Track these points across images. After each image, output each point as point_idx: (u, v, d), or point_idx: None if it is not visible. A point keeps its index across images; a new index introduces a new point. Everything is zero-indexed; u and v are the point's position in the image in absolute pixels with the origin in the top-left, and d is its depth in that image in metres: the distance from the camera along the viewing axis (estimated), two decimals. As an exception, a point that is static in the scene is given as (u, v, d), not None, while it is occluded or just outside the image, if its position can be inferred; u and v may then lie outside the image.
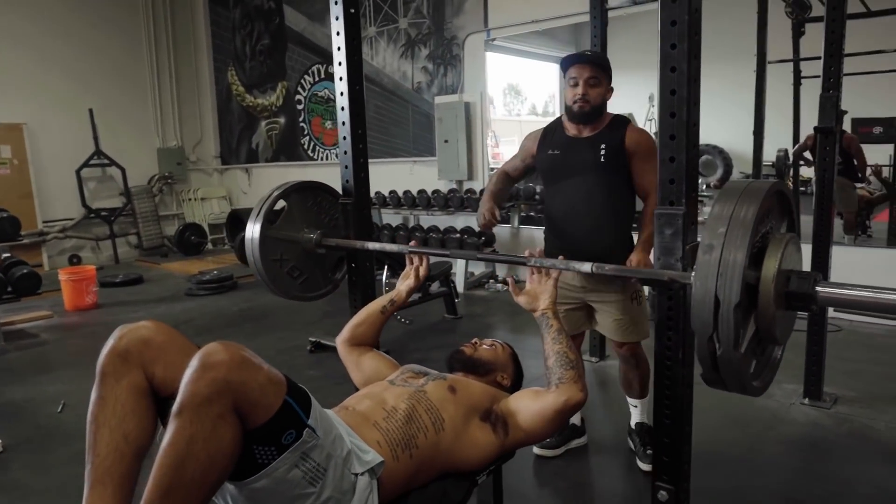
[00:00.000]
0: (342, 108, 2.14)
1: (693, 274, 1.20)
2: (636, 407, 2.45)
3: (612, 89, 2.24)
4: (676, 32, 1.38)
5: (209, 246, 8.16)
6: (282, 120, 7.94)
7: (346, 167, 2.17)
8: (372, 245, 2.08)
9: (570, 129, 2.27)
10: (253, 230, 2.10)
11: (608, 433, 2.65)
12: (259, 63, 8.06)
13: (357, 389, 1.70)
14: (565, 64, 2.22)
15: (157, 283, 6.33)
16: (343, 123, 2.15)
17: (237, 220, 7.30)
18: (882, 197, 5.71)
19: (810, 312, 1.17)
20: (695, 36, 1.39)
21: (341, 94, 2.14)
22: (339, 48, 2.13)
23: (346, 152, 2.16)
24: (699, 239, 1.49)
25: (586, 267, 1.53)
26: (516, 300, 1.69)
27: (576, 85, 2.17)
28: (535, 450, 2.44)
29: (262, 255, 2.10)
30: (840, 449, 2.45)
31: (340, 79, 2.13)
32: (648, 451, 2.32)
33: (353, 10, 2.11)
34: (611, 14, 3.44)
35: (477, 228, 5.59)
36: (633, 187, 2.25)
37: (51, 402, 3.16)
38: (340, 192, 2.21)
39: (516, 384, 1.78)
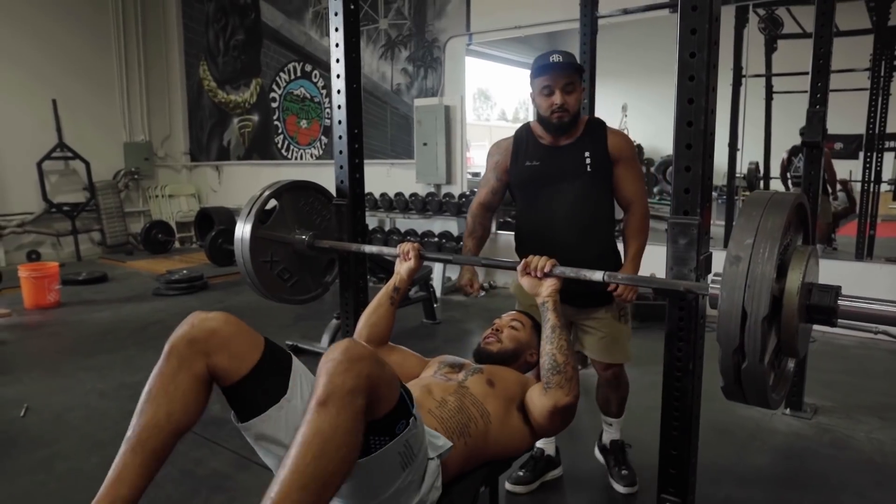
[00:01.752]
0: (339, 107, 2.08)
1: (718, 285, 1.18)
2: (611, 425, 2.33)
3: (584, 88, 2.09)
4: (696, 41, 1.37)
5: (177, 245, 7.93)
6: (255, 117, 7.78)
7: (342, 167, 2.10)
8: (368, 248, 2.02)
9: (545, 137, 2.07)
10: (243, 230, 2.02)
11: (580, 462, 2.46)
12: (233, 59, 7.89)
13: None
14: (536, 72, 1.99)
15: (122, 282, 6.11)
16: (339, 122, 2.08)
17: (207, 219, 7.13)
18: (846, 210, 5.89)
19: (831, 326, 1.17)
20: (714, 45, 1.38)
21: (338, 91, 2.08)
22: (336, 45, 2.07)
23: (341, 152, 2.10)
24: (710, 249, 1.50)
25: (598, 275, 1.51)
26: (520, 281, 1.66)
27: (551, 94, 1.96)
28: (507, 486, 2.23)
29: (252, 255, 2.03)
30: (823, 459, 2.48)
31: (338, 76, 2.07)
32: (624, 472, 2.24)
33: (353, 7, 2.06)
34: (599, 22, 3.45)
35: (455, 233, 5.57)
36: (613, 195, 2.10)
37: (12, 406, 3.00)
38: (334, 192, 2.15)
39: None
